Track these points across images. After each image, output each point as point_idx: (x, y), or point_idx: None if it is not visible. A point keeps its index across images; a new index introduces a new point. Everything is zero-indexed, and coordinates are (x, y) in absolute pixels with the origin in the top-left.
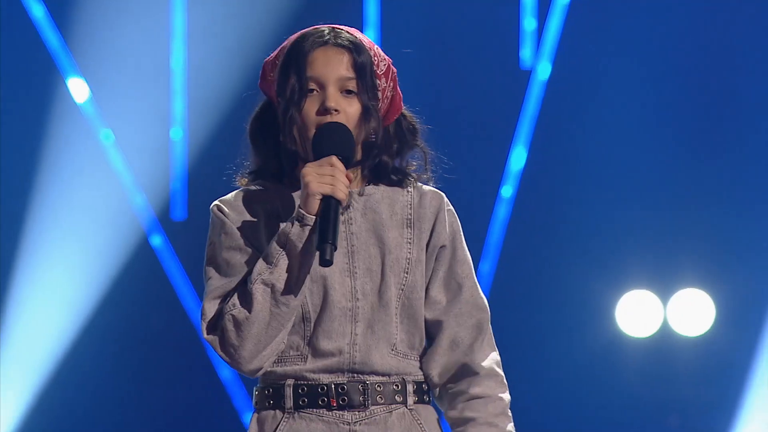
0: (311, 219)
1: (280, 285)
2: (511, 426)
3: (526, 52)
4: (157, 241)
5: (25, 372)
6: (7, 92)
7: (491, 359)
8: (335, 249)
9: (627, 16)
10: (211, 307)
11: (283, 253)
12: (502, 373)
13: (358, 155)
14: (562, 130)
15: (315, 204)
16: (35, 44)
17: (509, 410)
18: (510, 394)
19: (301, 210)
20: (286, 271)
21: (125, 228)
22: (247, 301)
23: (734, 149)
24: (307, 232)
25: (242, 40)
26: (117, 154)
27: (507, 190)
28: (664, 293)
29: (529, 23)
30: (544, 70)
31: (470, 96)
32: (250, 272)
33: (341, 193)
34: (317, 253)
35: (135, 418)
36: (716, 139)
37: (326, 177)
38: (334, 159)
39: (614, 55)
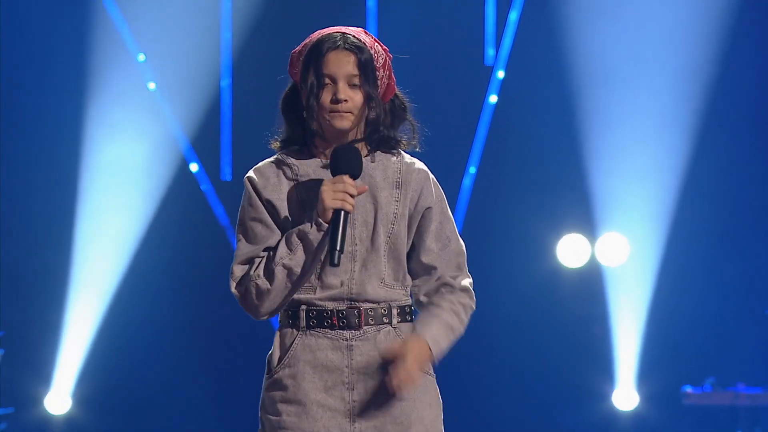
0: (325, 226)
1: (297, 269)
2: (464, 316)
3: (489, 51)
4: (209, 195)
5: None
6: (68, 52)
7: (467, 282)
8: (341, 253)
9: (560, 23)
10: (238, 270)
11: (301, 245)
12: (470, 289)
13: (362, 130)
14: (514, 117)
15: (329, 214)
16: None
17: (467, 312)
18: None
19: (318, 218)
20: (301, 259)
21: (183, 183)
22: (269, 277)
23: (644, 129)
24: (321, 235)
25: (285, 16)
26: (176, 125)
27: (472, 168)
28: (592, 236)
29: (490, 29)
30: (501, 64)
31: (443, 87)
32: (271, 246)
33: (349, 206)
34: (326, 249)
35: (191, 341)
36: (630, 118)
37: (338, 193)
38: (346, 177)
39: (554, 53)
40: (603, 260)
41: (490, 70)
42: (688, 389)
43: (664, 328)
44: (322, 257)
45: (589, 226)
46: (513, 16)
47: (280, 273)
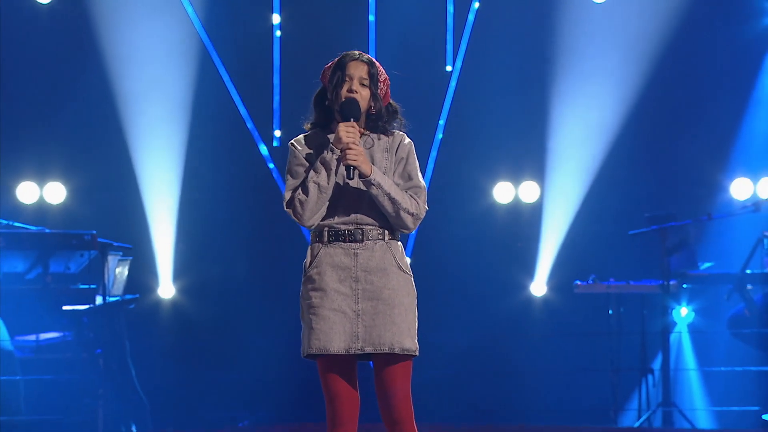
0: (338, 151)
1: (322, 182)
2: (412, 202)
3: (450, 58)
4: (265, 154)
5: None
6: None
7: (421, 202)
8: (355, 170)
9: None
10: (287, 195)
11: (323, 167)
12: (423, 206)
13: (363, 121)
14: (467, 108)
15: (341, 145)
16: None
17: (415, 206)
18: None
19: (332, 146)
20: (325, 175)
21: (244, 147)
22: (305, 192)
23: (564, 99)
24: (335, 158)
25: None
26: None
27: (439, 135)
28: (516, 182)
29: (450, 37)
30: (457, 70)
31: (414, 86)
32: (306, 177)
33: (357, 140)
34: (338, 168)
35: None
36: (555, 91)
37: (350, 132)
38: (353, 122)
39: (498, 55)
40: (523, 199)
41: (450, 74)
42: (578, 282)
43: (561, 241)
44: (336, 173)
45: (514, 175)
46: (465, 35)
47: (312, 187)
